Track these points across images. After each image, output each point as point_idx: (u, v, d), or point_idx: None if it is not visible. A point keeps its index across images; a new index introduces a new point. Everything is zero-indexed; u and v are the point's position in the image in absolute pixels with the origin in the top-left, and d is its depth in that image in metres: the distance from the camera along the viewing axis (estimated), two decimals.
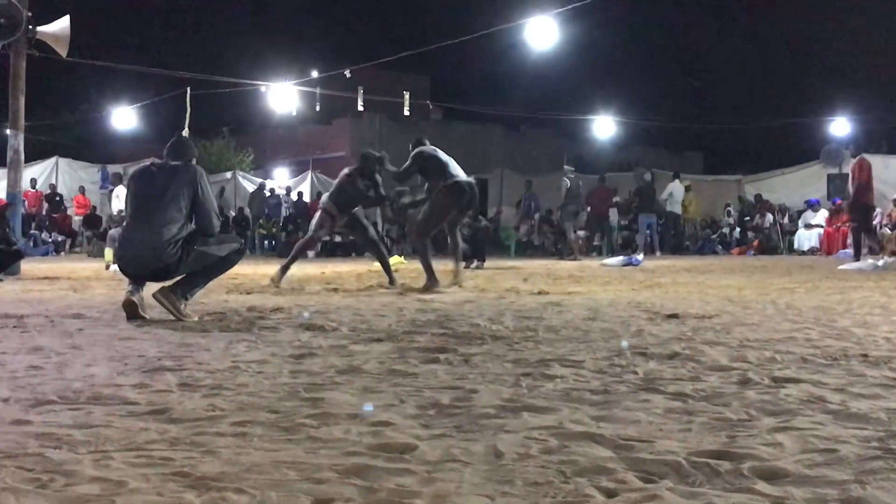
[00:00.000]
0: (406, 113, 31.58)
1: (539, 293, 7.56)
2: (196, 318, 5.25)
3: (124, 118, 22.93)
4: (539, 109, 36.17)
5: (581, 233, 20.92)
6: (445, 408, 2.62)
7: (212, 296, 6.59)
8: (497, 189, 26.96)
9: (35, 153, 21.62)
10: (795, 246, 20.69)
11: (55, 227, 22.31)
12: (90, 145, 32.44)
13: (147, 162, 5.89)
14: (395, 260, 14.58)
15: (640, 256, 15.22)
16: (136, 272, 5.47)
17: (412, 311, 5.81)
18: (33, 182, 22.94)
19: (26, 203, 17.51)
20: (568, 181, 19.24)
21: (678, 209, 21.54)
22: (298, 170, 29.62)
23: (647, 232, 20.63)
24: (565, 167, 20.48)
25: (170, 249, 5.35)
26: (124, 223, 5.90)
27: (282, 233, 22.79)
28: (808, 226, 20.66)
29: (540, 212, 23.27)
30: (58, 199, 23.56)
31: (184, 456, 2.06)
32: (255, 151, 35.15)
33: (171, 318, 5.26)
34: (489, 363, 3.49)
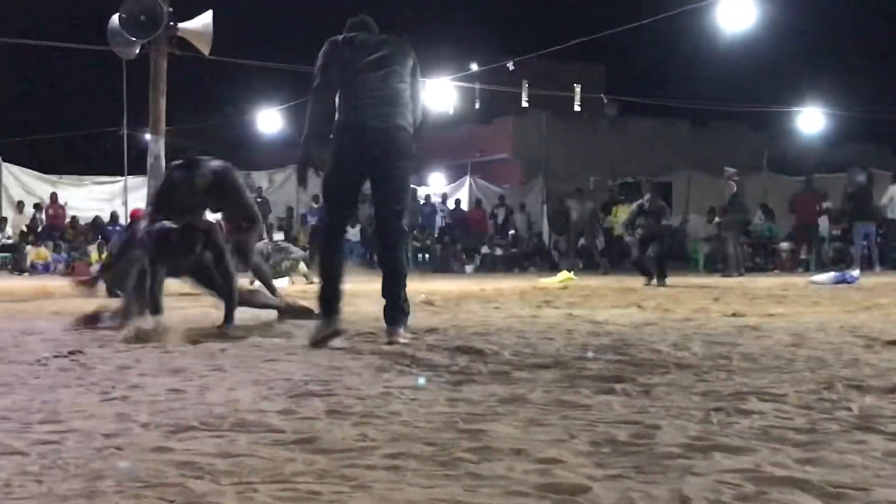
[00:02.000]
0: (577, 108, 31.43)
1: (733, 315, 7.36)
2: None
3: (269, 121, 23.84)
4: (731, 101, 35.28)
5: (784, 244, 20.23)
6: (622, 445, 2.59)
7: (361, 312, 6.76)
8: (682, 193, 26.43)
9: (176, 160, 22.70)
10: None
11: None
12: (234, 150, 33.88)
13: None
14: (564, 276, 14.54)
15: (856, 272, 14.58)
16: None
17: (583, 335, 5.78)
18: None
19: None
20: (733, 185, 18.68)
21: None
22: (455, 175, 29.96)
23: (864, 243, 19.73)
24: (727, 169, 19.92)
25: None
26: None
27: (437, 245, 23.11)
28: None
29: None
30: None
31: (332, 490, 2.13)
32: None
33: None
34: (673, 395, 3.43)
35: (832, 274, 14.45)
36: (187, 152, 7.64)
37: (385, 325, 5.50)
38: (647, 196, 14.06)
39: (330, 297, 5.47)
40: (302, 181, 5.95)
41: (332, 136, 5.65)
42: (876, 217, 19.96)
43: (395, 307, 5.51)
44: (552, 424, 2.89)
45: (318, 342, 5.11)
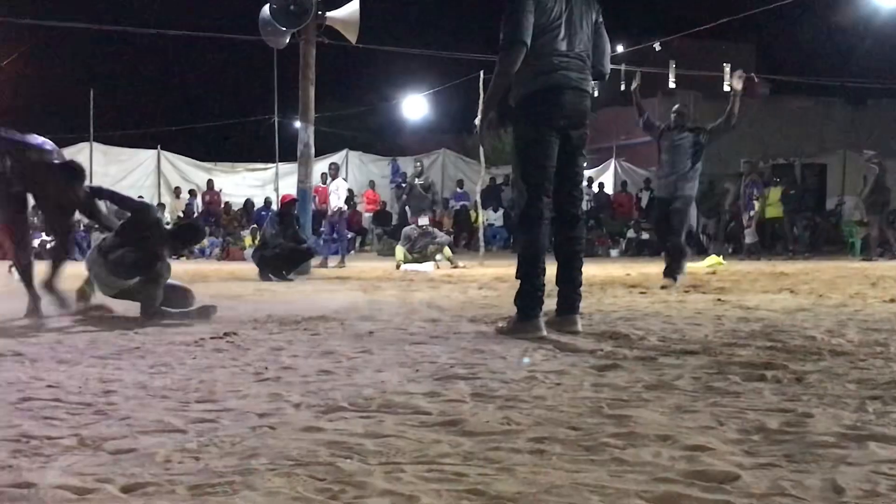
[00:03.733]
0: (726, 88, 30.67)
1: (891, 301, 7.07)
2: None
3: (415, 107, 24.10)
4: (890, 79, 33.76)
5: None
6: (773, 433, 2.53)
7: (504, 297, 6.78)
8: (838, 175, 25.47)
9: (325, 146, 23.23)
10: None
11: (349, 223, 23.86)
12: (380, 137, 34.42)
13: None
14: (713, 260, 14.22)
15: None
16: None
17: (732, 321, 5.65)
18: (324, 177, 24.72)
19: (317, 199, 18.86)
20: (875, 167, 17.94)
21: None
22: (600, 158, 29.66)
23: None
24: (866, 152, 19.06)
25: None
26: None
27: None
28: None
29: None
30: (347, 194, 25.21)
31: (477, 472, 2.15)
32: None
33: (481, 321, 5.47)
34: (827, 383, 3.32)
35: None
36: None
37: (561, 313, 5.16)
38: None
39: (536, 295, 4.96)
40: (484, 140, 5.56)
41: (524, 100, 5.07)
42: None
43: (576, 295, 5.20)
44: (700, 411, 2.84)
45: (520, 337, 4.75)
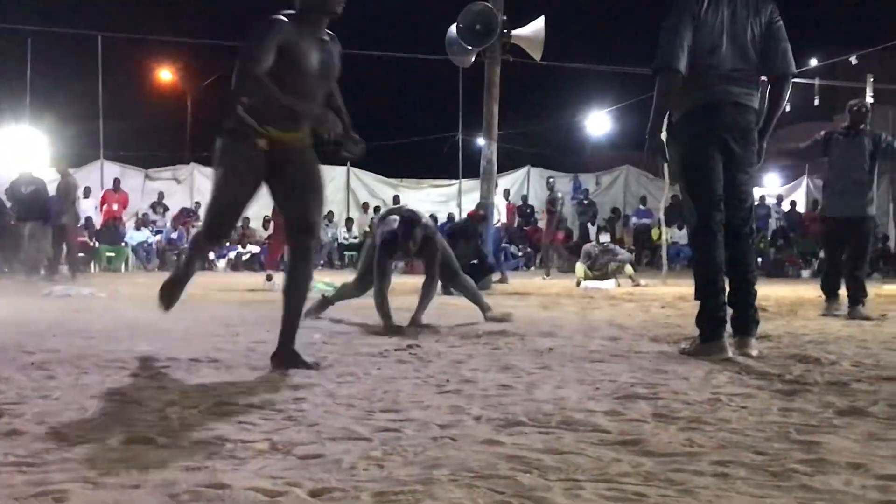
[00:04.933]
0: None
1: None
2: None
3: (599, 123, 23.98)
4: None
5: None
6: None
7: (687, 317, 6.65)
8: None
9: (507, 163, 23.39)
10: None
11: (526, 239, 23.96)
12: (563, 153, 34.41)
13: None
14: None
15: None
16: None
17: None
18: (506, 193, 24.86)
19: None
20: None
21: None
22: (792, 175, 28.66)
23: None
24: None
25: None
26: None
27: (770, 248, 22.23)
28: None
29: None
30: (529, 210, 25.31)
31: (658, 493, 2.12)
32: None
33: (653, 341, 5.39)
34: None
35: None
36: None
37: (734, 334, 4.98)
38: None
39: (717, 315, 4.84)
40: (653, 166, 5.52)
41: (684, 117, 4.99)
42: None
43: (748, 316, 5.01)
44: (894, 440, 2.71)
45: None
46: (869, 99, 29.14)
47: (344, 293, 7.22)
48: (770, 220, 23.71)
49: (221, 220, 4.47)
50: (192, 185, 24.48)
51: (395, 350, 4.93)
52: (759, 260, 22.24)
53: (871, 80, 25.41)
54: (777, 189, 27.33)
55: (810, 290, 12.56)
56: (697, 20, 4.86)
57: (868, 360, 4.67)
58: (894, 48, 20.56)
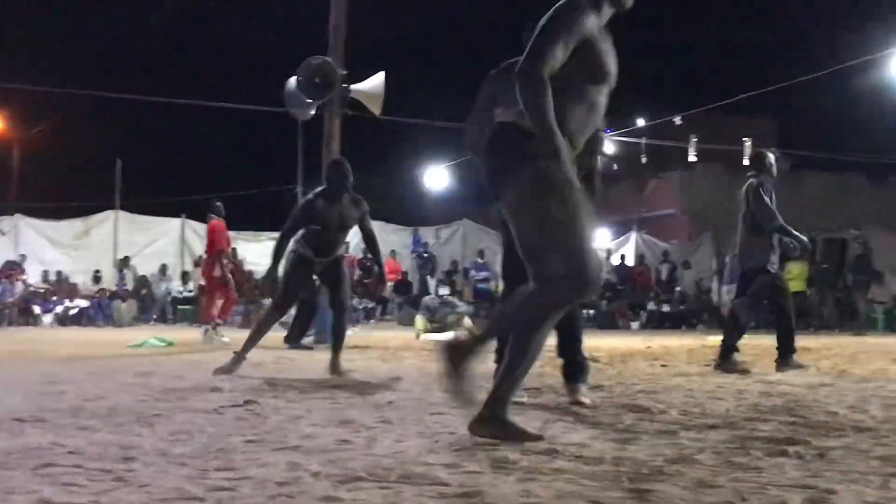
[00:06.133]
0: (746, 163, 30.72)
1: None
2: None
3: (437, 177, 24.27)
4: None
5: None
6: None
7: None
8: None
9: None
10: None
11: (366, 293, 23.93)
12: (402, 207, 34.60)
13: None
14: None
15: None
16: None
17: (754, 395, 5.60)
18: (346, 246, 24.74)
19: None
20: (858, 246, 18.27)
21: None
22: (620, 230, 29.69)
23: None
24: (851, 231, 19.34)
25: None
26: None
27: (601, 301, 22.90)
28: None
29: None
30: (368, 264, 25.30)
31: None
32: None
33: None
34: (850, 459, 3.28)
35: None
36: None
37: (566, 383, 5.23)
38: None
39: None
40: None
41: None
42: None
43: (575, 364, 5.24)
44: (722, 486, 2.81)
45: None
46: (692, 157, 30.61)
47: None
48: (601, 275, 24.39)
49: (590, 247, 3.65)
50: (17, 238, 23.49)
51: (232, 406, 4.81)
52: (591, 312, 22.91)
53: (695, 139, 26.67)
54: (607, 243, 28.24)
55: (639, 342, 12.98)
56: None
57: (695, 409, 4.84)
58: (716, 110, 21.66)
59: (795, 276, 20.13)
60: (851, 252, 18.81)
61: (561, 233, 3.51)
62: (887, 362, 8.81)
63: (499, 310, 4.25)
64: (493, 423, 3.66)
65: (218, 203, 13.98)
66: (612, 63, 3.71)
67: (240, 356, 6.75)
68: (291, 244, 7.25)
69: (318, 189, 7.29)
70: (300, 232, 7.16)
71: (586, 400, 4.99)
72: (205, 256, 14.52)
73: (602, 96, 3.75)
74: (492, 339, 3.87)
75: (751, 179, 8.25)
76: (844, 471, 3.07)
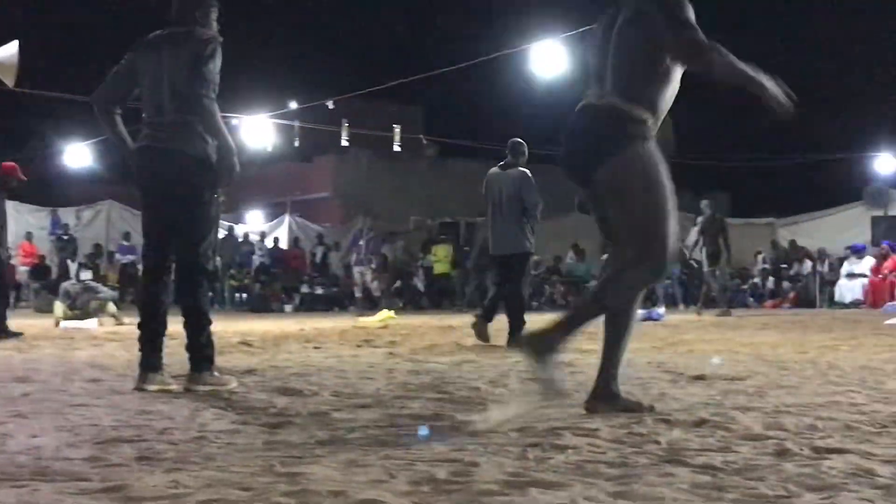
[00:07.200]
0: (396, 149, 31.73)
1: None
2: None
3: (78, 156, 23.00)
4: (547, 144, 36.32)
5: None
6: (441, 483, 2.61)
7: (175, 356, 6.56)
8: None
9: None
10: (836, 298, 20.69)
11: None
12: (40, 187, 32.47)
13: None
14: (384, 315, 14.54)
15: (662, 310, 15.22)
16: None
17: (403, 374, 5.80)
18: None
19: None
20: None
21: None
22: (274, 213, 29.69)
23: (668, 282, 20.65)
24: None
25: None
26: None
27: (255, 284, 22.77)
28: (851, 275, 20.66)
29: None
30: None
31: None
32: (225, 192, 35.09)
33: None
34: (491, 432, 3.47)
35: (639, 311, 15.04)
36: None
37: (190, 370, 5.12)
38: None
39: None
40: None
41: None
42: (679, 258, 20.97)
43: (195, 351, 5.13)
44: (372, 465, 2.87)
45: None
46: (344, 142, 31.15)
47: None
48: (254, 257, 24.25)
49: (672, 233, 3.75)
50: None
51: None
52: (244, 296, 22.72)
53: (346, 124, 27.14)
54: (261, 226, 28.12)
55: (293, 325, 13.04)
56: None
57: (347, 389, 4.92)
58: (367, 96, 22.14)
59: (441, 258, 21.10)
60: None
61: (652, 217, 3.69)
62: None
63: (581, 298, 4.28)
64: (608, 397, 3.92)
65: None
66: None
67: None
68: None
69: None
70: None
71: (201, 388, 4.91)
72: None
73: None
74: (576, 327, 3.84)
75: (518, 167, 8.97)
76: (486, 443, 3.24)
